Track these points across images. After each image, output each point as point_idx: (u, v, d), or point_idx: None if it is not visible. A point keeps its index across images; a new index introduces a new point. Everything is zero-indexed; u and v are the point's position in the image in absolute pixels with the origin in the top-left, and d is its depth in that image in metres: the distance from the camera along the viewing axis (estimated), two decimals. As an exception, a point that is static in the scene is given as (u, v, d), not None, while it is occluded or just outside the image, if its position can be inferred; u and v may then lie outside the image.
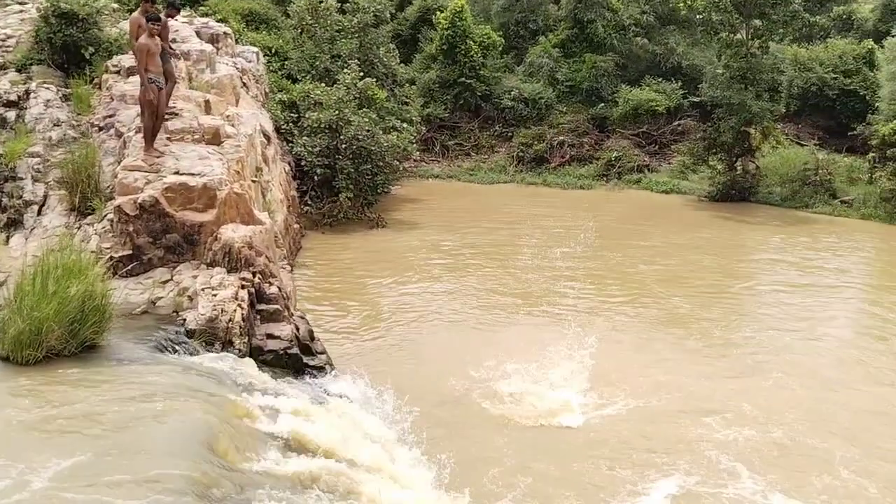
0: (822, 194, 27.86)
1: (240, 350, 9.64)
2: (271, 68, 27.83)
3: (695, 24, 32.68)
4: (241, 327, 9.84)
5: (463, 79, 34.02)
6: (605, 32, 35.06)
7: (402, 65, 31.13)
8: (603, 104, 34.08)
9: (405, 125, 26.40)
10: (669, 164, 32.47)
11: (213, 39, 21.34)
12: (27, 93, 15.09)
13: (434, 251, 20.90)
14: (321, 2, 29.32)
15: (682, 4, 29.92)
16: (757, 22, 28.14)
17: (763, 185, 28.86)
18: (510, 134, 33.97)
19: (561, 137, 33.06)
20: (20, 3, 24.05)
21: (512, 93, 34.06)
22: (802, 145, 31.82)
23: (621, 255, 21.10)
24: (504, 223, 24.39)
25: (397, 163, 25.72)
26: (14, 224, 11.86)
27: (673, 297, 17.64)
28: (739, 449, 10.91)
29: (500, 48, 35.67)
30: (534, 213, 25.95)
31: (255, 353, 10.02)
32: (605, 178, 31.37)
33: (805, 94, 33.97)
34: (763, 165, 29.26)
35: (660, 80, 33.82)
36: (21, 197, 12.22)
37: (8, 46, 17.87)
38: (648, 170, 31.85)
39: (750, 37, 28.21)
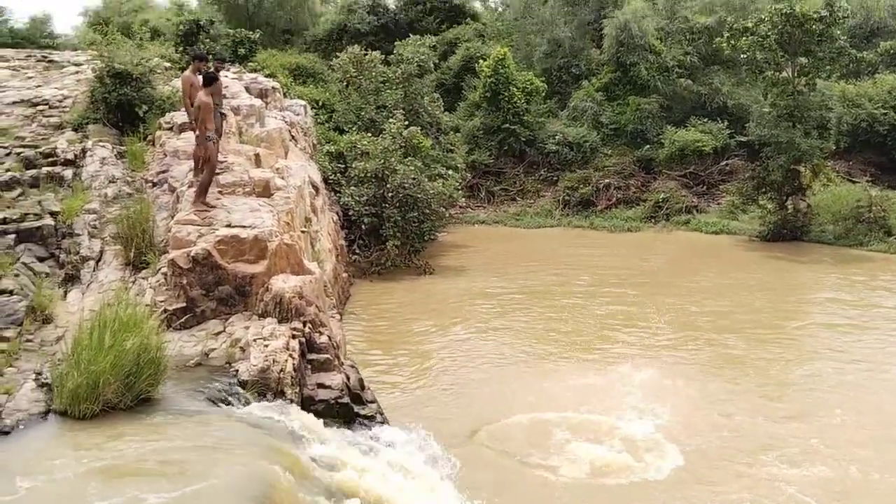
0: (876, 232, 27.24)
1: (291, 400, 9.66)
2: (319, 120, 28.41)
3: (739, 64, 32.54)
4: (292, 377, 9.88)
5: (507, 125, 34.27)
6: (649, 75, 35.10)
7: (446, 113, 31.48)
8: (648, 146, 34.00)
9: (450, 172, 26.58)
10: (718, 204, 32.13)
11: (262, 94, 21.90)
12: (83, 151, 15.58)
13: (482, 296, 20.86)
14: (365, 54, 29.90)
15: (725, 45, 29.80)
16: (802, 60, 27.89)
17: (815, 224, 28.32)
18: (555, 178, 34.01)
19: (607, 180, 33.01)
20: (76, 65, 24.99)
21: (556, 137, 34.18)
22: (854, 182, 31.22)
23: (672, 296, 20.82)
24: (552, 267, 24.28)
25: (443, 209, 25.85)
26: (72, 279, 12.14)
27: (727, 338, 17.32)
28: (817, 487, 10.60)
29: (544, 93, 35.90)
30: (581, 257, 25.82)
31: (307, 403, 10.03)
32: (652, 220, 31.16)
33: (855, 130, 33.41)
34: (814, 204, 28.74)
35: (705, 120, 33.66)
36: (78, 253, 12.53)
37: (65, 106, 18.55)
38: (697, 210, 31.57)
39: (796, 74, 27.95)
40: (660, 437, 12.19)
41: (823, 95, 29.40)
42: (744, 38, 28.39)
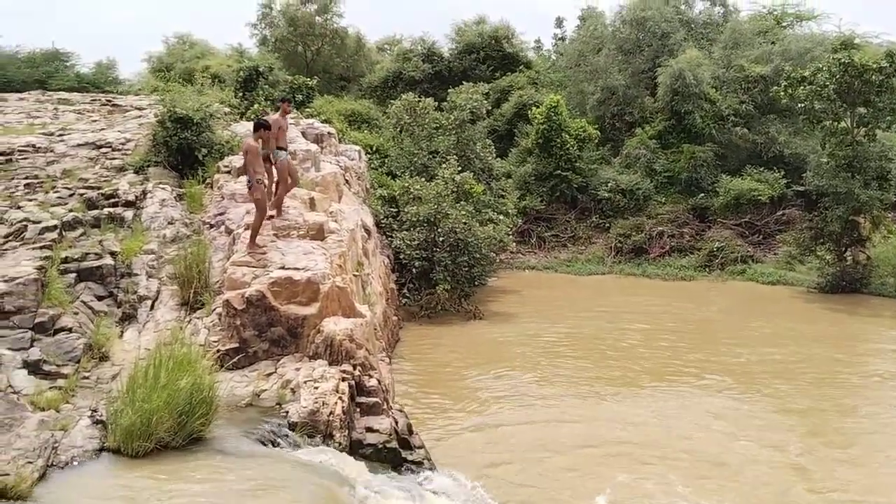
0: (938, 286, 26.53)
1: (340, 443, 9.66)
2: (372, 165, 28.82)
3: (796, 113, 32.20)
4: (341, 420, 9.89)
5: (559, 171, 34.37)
6: (704, 123, 34.96)
7: (498, 159, 31.71)
8: (703, 194, 33.75)
9: (502, 217, 26.66)
10: (775, 254, 31.65)
11: (318, 139, 22.33)
12: (144, 193, 16.00)
13: (532, 342, 20.72)
14: (419, 101, 30.33)
15: (782, 94, 29.55)
16: (862, 110, 27.51)
17: (875, 276, 27.65)
18: (607, 225, 33.89)
19: (660, 228, 32.80)
20: (138, 109, 25.80)
21: (609, 184, 34.14)
22: (916, 235, 30.52)
23: (728, 346, 20.46)
24: (604, 314, 24.06)
25: (494, 255, 25.89)
26: (129, 318, 12.38)
27: (784, 387, 16.93)
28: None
29: (596, 140, 35.98)
30: (634, 304, 25.54)
31: (355, 447, 10.02)
32: (707, 269, 30.79)
33: (916, 182, 32.73)
34: (874, 255, 28.12)
35: (761, 169, 33.34)
36: (136, 292, 12.80)
37: (127, 149, 19.12)
38: (753, 260, 31.13)
39: (855, 125, 27.57)
40: (723, 488, 11.87)
41: (883, 146, 28.86)
42: (801, 88, 28.14)
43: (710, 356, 19.59)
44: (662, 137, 36.06)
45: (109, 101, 28.92)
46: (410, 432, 11.21)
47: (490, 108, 34.76)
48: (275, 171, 14.17)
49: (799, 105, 29.45)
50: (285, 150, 14.16)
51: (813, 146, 31.61)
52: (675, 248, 32.42)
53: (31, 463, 8.25)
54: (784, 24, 40.73)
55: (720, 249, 31.28)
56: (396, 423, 11.00)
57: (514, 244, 28.77)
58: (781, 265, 30.59)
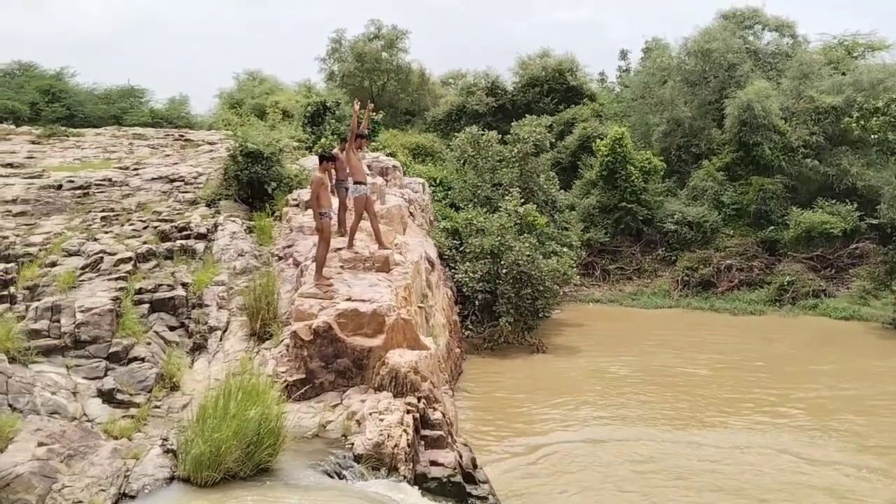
0: None
1: (405, 476, 9.63)
2: (436, 198, 29.00)
3: (869, 145, 31.42)
4: (406, 453, 9.87)
5: (624, 203, 34.04)
6: (773, 154, 34.29)
7: (561, 191, 31.56)
8: (772, 227, 33.02)
9: (565, 250, 26.48)
10: (848, 288, 30.68)
11: (384, 172, 22.59)
12: (215, 225, 16.38)
13: (597, 376, 20.42)
14: (483, 134, 30.47)
15: (854, 125, 28.85)
16: (938, 140, 26.71)
17: (955, 312, 26.61)
18: (674, 258, 33.38)
19: (728, 261, 32.16)
20: (210, 144, 26.50)
21: (675, 216, 33.68)
22: None
23: (800, 381, 19.88)
24: (670, 348, 23.59)
25: (558, 287, 25.67)
26: (199, 348, 12.64)
27: (860, 424, 16.36)
28: None
29: (662, 172, 35.56)
30: (702, 339, 24.99)
31: (419, 480, 9.97)
32: (777, 304, 30.02)
33: None
34: (954, 290, 27.10)
35: (833, 201, 32.47)
36: (206, 323, 13.06)
37: (199, 183, 19.63)
38: (825, 295, 30.24)
39: (932, 155, 26.76)
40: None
41: (962, 178, 27.97)
42: (875, 119, 27.45)
43: (782, 391, 19.03)
44: (730, 169, 35.46)
45: (182, 135, 29.81)
46: (475, 466, 11.13)
47: (553, 140, 34.74)
48: (348, 202, 14.37)
49: (872, 136, 28.72)
50: (364, 184, 14.14)
51: (887, 178, 30.76)
52: (744, 281, 31.73)
53: (104, 491, 8.44)
54: (855, 54, 39.84)
55: (791, 283, 30.49)
56: (461, 456, 10.93)
57: (578, 277, 28.46)
58: (855, 300, 29.64)
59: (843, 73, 36.08)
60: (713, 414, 17.26)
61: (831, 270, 31.58)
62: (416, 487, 9.62)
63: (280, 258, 15.20)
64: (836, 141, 34.66)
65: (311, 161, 20.78)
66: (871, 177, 32.83)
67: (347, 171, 14.93)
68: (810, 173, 34.12)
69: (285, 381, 10.82)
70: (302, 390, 10.94)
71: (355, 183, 14.01)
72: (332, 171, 14.87)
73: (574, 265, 26.45)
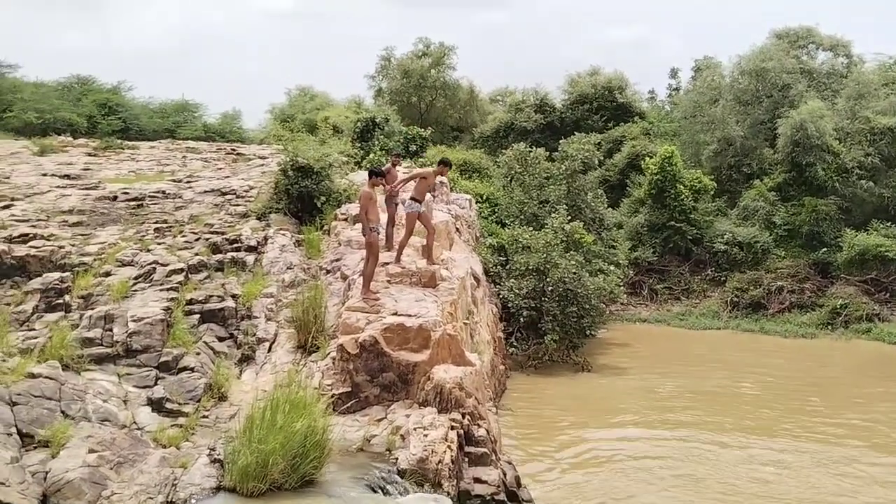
0: None
1: (448, 493, 9.59)
2: (482, 214, 28.99)
3: (927, 166, 30.70)
4: (450, 469, 9.83)
5: (673, 222, 33.64)
6: (826, 175, 33.64)
7: (609, 209, 31.36)
8: (825, 249, 32.35)
9: (612, 268, 26.25)
10: (904, 313, 29.89)
11: (431, 188, 22.61)
12: (265, 238, 16.58)
13: (643, 397, 20.16)
14: (530, 151, 30.42)
15: (911, 145, 28.22)
16: None
17: None
18: (723, 278, 32.86)
19: (779, 283, 31.56)
20: (261, 158, 26.87)
21: (725, 236, 33.18)
22: None
23: (855, 406, 19.43)
24: (719, 370, 23.21)
25: (604, 306, 25.46)
26: (247, 359, 12.77)
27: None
28: None
29: (712, 192, 35.11)
30: (752, 361, 24.52)
31: (463, 497, 9.92)
32: (829, 327, 29.34)
33: None
34: None
35: (889, 224, 31.73)
36: (255, 334, 13.20)
37: (250, 196, 19.91)
38: (879, 319, 29.46)
39: None
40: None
41: None
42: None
43: (836, 414, 18.64)
44: (782, 190, 34.88)
45: (234, 150, 30.28)
46: (519, 485, 11.05)
47: (602, 158, 34.50)
48: (397, 218, 14.50)
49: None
50: (419, 201, 14.25)
51: (947, 201, 30.02)
52: (796, 304, 31.10)
53: (151, 499, 8.55)
54: (912, 73, 39.01)
55: (844, 307, 29.79)
56: (505, 474, 10.87)
57: (625, 296, 28.24)
58: (911, 325, 28.88)
59: (900, 94, 35.32)
60: (766, 437, 16.93)
61: (886, 294, 30.79)
62: (460, 504, 9.58)
63: (328, 272, 15.33)
64: (892, 162, 33.93)
65: (360, 176, 20.95)
66: (929, 199, 32.11)
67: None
68: (865, 195, 33.40)
69: (331, 393, 10.86)
70: (347, 404, 10.97)
71: (411, 199, 14.09)
72: (384, 186, 14.96)
73: (621, 284, 26.22)
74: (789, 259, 32.71)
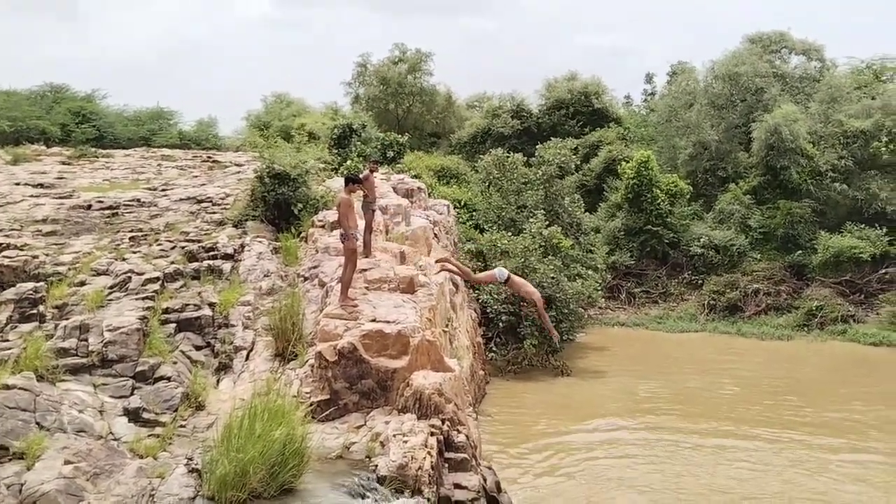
0: None
1: (428, 499, 9.55)
2: (460, 219, 29.04)
3: (899, 168, 31.11)
4: (429, 475, 9.80)
5: (649, 226, 33.89)
6: (800, 178, 34.06)
7: (586, 213, 31.53)
8: (800, 251, 32.72)
9: (590, 272, 26.40)
10: (877, 314, 30.25)
11: (408, 194, 22.69)
12: (242, 246, 16.48)
13: (622, 400, 20.28)
14: (508, 156, 30.51)
15: (883, 149, 28.57)
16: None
17: None
18: (700, 281, 33.13)
19: (756, 285, 31.89)
20: (237, 165, 26.72)
21: (701, 240, 33.47)
22: None
23: (831, 403, 19.68)
24: (697, 373, 23.40)
25: (582, 310, 25.58)
26: (224, 368, 12.67)
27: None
28: None
29: (688, 196, 35.40)
30: (729, 363, 24.77)
31: (443, 503, 9.91)
32: (805, 329, 29.68)
33: None
34: None
35: (862, 226, 32.16)
36: (232, 343, 13.11)
37: (226, 204, 19.79)
38: (854, 320, 29.87)
39: (964, 179, 26.41)
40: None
41: None
42: (904, 142, 27.19)
43: (813, 414, 18.91)
44: (757, 193, 35.26)
45: (210, 157, 30.10)
46: (499, 490, 11.06)
47: (579, 163, 34.72)
48: (374, 224, 14.60)
49: (902, 160, 28.44)
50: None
51: (918, 202, 30.43)
52: (772, 306, 31.43)
53: (129, 509, 8.46)
54: (883, 77, 39.53)
55: (819, 308, 30.15)
56: (485, 480, 10.86)
57: (603, 300, 28.40)
58: (885, 326, 29.24)
59: (872, 98, 35.81)
60: (748, 436, 17.14)
61: (860, 296, 31.20)
62: (440, 510, 9.56)
63: (305, 279, 15.26)
64: (865, 165, 34.36)
65: (338, 182, 20.91)
66: (900, 201, 32.48)
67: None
68: (839, 197, 33.82)
69: (310, 401, 10.80)
70: (326, 411, 10.91)
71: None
72: (361, 192, 14.94)
73: (599, 288, 26.37)
74: (765, 261, 33.05)
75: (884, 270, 31.45)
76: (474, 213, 30.71)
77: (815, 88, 37.86)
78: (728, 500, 13.57)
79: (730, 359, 25.53)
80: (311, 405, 10.60)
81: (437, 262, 15.24)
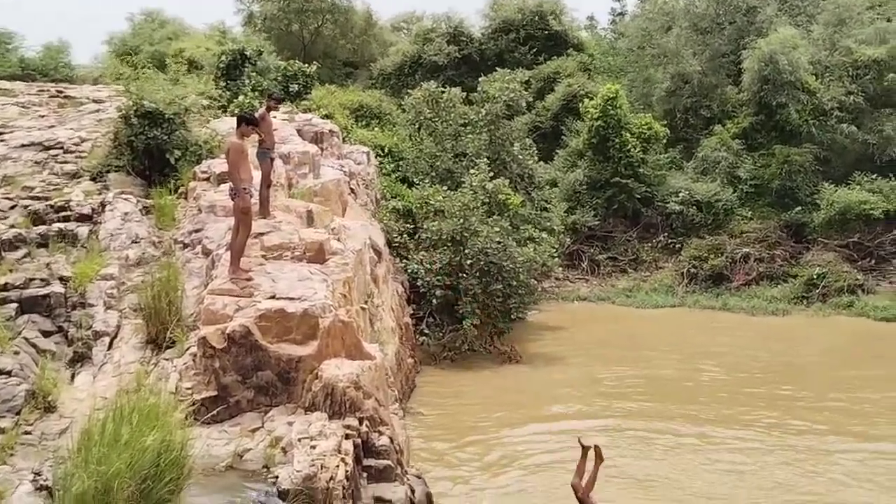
0: None
1: (342, 517, 9.66)
2: (384, 171, 28.93)
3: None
4: (344, 488, 9.87)
5: (617, 178, 34.25)
6: (801, 119, 34.68)
7: (541, 163, 31.71)
8: (799, 208, 33.44)
9: (545, 236, 26.64)
10: (891, 283, 31.22)
11: (317, 139, 22.48)
12: (102, 205, 16.17)
13: (584, 390, 20.62)
14: (443, 92, 30.44)
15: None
16: None
17: None
18: (678, 245, 33.70)
19: (745, 249, 32.55)
20: (97, 102, 26.10)
21: (680, 195, 33.96)
22: None
23: (835, 393, 20.35)
24: (674, 356, 23.91)
25: (535, 282, 25.81)
26: (81, 359, 12.46)
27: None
28: None
29: (665, 141, 35.83)
30: (713, 345, 25.36)
31: (362, 522, 10.02)
32: (804, 301, 30.47)
33: None
34: None
35: (875, 176, 32.96)
36: (91, 327, 12.89)
37: (82, 151, 19.33)
38: (863, 290, 30.74)
39: None
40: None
41: None
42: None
43: (812, 404, 19.52)
44: (748, 137, 35.84)
45: (61, 91, 29.27)
46: (430, 503, 11.19)
47: (531, 99, 34.86)
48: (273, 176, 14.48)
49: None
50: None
51: (940, 147, 31.30)
52: (765, 274, 32.14)
53: (-40, 539, 8.32)
54: (902, -5, 40.47)
55: (821, 277, 30.92)
56: (413, 492, 11.00)
57: (561, 269, 28.71)
58: (900, 297, 30.18)
59: (888, 20, 36.53)
60: (730, 434, 17.61)
61: (870, 261, 32.06)
62: (357, 530, 9.64)
63: (185, 245, 15.07)
64: (879, 102, 35.16)
65: (227, 124, 20.60)
66: (920, 146, 33.33)
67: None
68: (846, 142, 34.55)
69: (192, 399, 10.73)
70: (213, 411, 10.84)
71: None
72: (256, 136, 14.76)
73: (556, 255, 26.64)
74: (757, 221, 33.67)
75: (899, 230, 32.32)
76: (401, 163, 30.62)
77: (820, 8, 38.51)
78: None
79: (713, 339, 26.12)
80: (193, 404, 10.54)
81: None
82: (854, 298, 30.20)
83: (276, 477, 9.80)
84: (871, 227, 32.23)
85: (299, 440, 10.25)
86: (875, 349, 25.28)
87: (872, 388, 21.02)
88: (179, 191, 17.41)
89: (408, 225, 25.81)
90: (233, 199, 12.61)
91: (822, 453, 16.70)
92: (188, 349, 11.87)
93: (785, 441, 17.31)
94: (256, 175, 14.30)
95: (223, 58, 32.06)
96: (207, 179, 17.23)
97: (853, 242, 32.23)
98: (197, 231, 15.13)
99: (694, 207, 33.92)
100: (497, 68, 33.32)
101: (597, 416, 18.90)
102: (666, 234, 34.36)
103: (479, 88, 30.83)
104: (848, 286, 30.71)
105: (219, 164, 16.78)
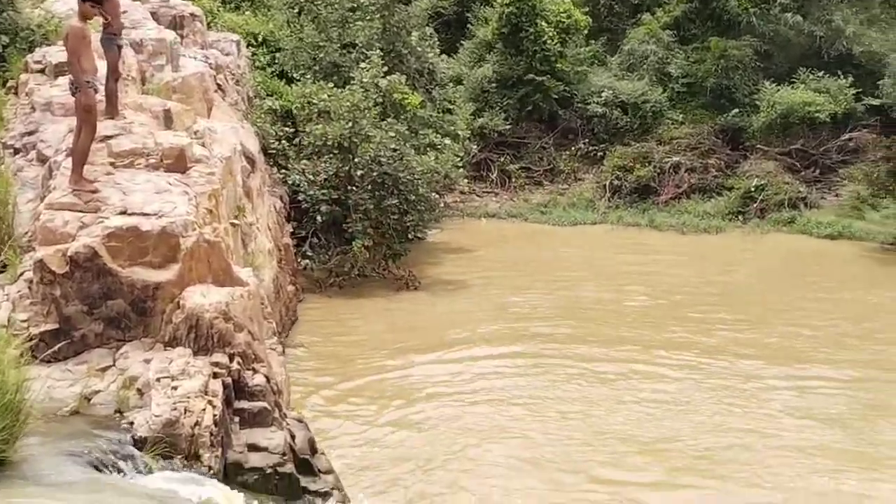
0: None
1: (210, 467, 9.66)
2: (257, 64, 28.45)
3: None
4: (212, 434, 9.88)
5: (531, 75, 34.19)
6: (740, 7, 34.91)
7: (443, 56, 31.50)
8: (736, 110, 33.83)
9: (447, 142, 26.60)
10: (837, 196, 31.97)
11: (176, 23, 21.97)
12: (-90, 102, 15.67)
13: (489, 320, 20.92)
14: (327, -31, 29.97)
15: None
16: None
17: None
18: (600, 154, 33.97)
19: (675, 158, 32.91)
20: None
21: (603, 95, 34.11)
22: None
23: (773, 319, 21.13)
24: (595, 280, 24.37)
25: (436, 196, 25.85)
26: None
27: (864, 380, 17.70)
28: None
29: (586, 31, 35.84)
30: (638, 266, 25.87)
31: (233, 472, 10.03)
32: (741, 217, 31.08)
33: None
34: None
35: (821, 74, 33.40)
36: None
37: None
38: (805, 205, 31.40)
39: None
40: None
41: None
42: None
43: (748, 330, 20.13)
44: (681, 27, 35.95)
45: None
46: (313, 451, 11.29)
47: (432, -20, 34.50)
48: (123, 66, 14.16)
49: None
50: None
51: (894, 42, 31.79)
52: (697, 187, 32.59)
53: None
54: None
55: (759, 189, 31.47)
56: (293, 437, 11.05)
57: (466, 181, 28.74)
58: (846, 212, 30.93)
59: None
60: (652, 358, 18.10)
61: (815, 171, 32.71)
62: (228, 482, 9.68)
63: (17, 151, 14.71)
64: (829, -12, 35.54)
65: (64, 4, 19.98)
66: (873, 39, 33.65)
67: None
68: (790, 34, 34.85)
69: (28, 333, 10.57)
70: (54, 347, 10.72)
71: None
72: (101, 18, 14.37)
73: (460, 164, 26.63)
74: (689, 125, 34.01)
75: (847, 136, 32.96)
76: (278, 55, 30.11)
77: None
78: (630, 448, 14.35)
79: (639, 259, 26.63)
80: (30, 339, 10.37)
81: None
82: (796, 214, 30.87)
83: (132, 423, 9.78)
84: (816, 132, 32.76)
85: (158, 380, 10.22)
86: (817, 270, 26.11)
87: (812, 313, 21.76)
88: (8, 84, 16.95)
89: (287, 129, 25.46)
90: (73, 95, 12.31)
91: (758, 386, 17.30)
92: (22, 274, 11.64)
93: (717, 372, 17.87)
94: (102, 66, 13.96)
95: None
96: (42, 71, 16.76)
97: (796, 150, 32.72)
98: (30, 133, 14.77)
99: (618, 109, 34.06)
100: (392, -58, 32.85)
101: (504, 345, 19.22)
102: (586, 140, 34.50)
103: (370, -34, 30.41)
104: (789, 200, 31.30)
105: (56, 53, 16.31)
